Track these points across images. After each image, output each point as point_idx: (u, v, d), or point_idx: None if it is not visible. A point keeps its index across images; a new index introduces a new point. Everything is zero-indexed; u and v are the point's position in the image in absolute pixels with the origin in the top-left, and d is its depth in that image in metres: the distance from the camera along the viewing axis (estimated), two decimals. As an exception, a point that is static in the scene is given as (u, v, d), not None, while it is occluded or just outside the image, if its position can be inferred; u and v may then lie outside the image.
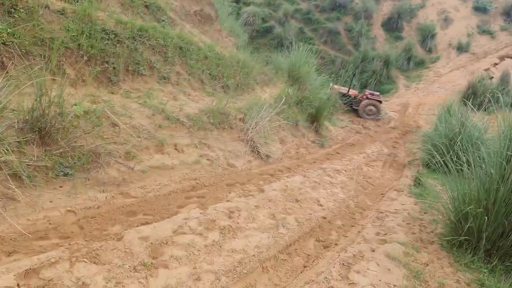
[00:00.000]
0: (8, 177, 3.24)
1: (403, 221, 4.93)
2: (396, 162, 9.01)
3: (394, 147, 10.65)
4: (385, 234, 4.47)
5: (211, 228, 3.82)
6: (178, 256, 3.19)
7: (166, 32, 7.01)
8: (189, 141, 5.47)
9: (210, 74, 7.66)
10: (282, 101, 7.99)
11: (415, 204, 5.62)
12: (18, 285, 2.39)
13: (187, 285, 2.89)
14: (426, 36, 23.65)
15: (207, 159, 5.48)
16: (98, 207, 3.71)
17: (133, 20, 6.48)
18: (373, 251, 3.93)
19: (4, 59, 4.15)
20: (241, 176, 5.68)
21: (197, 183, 4.95)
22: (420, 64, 22.61)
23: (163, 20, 7.89)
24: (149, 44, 6.42)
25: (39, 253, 2.79)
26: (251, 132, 6.71)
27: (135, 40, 6.14)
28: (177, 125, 5.50)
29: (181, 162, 5.04)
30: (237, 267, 3.28)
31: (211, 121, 6.11)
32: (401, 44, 23.47)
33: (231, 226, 3.95)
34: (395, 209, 5.39)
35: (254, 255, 3.52)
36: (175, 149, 5.17)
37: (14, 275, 2.44)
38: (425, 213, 5.25)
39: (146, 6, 7.68)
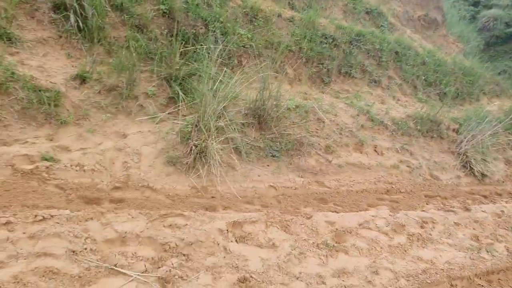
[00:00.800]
0: (232, 150, 4.04)
1: None
2: None
3: None
4: None
5: (398, 231, 3.69)
6: (359, 247, 3.25)
7: (383, 37, 7.03)
8: (390, 144, 5.36)
9: (425, 80, 7.21)
10: (513, 115, 6.73)
11: None
12: (227, 230, 3.00)
13: (364, 275, 2.93)
14: None
15: (407, 166, 5.23)
16: (295, 189, 4.14)
17: (352, 26, 6.79)
18: None
19: (242, 58, 5.14)
20: (445, 190, 5.15)
21: (392, 187, 4.81)
22: None
23: (382, 26, 7.92)
24: (365, 48, 6.59)
25: (244, 212, 3.38)
26: (465, 145, 5.96)
27: (351, 44, 6.43)
28: (380, 127, 5.47)
29: (378, 164, 5.00)
30: (420, 274, 3.07)
31: (418, 127, 5.77)
32: None
33: (421, 235, 3.71)
34: None
35: (442, 269, 3.21)
36: (375, 150, 5.17)
37: (225, 223, 3.06)
38: None
39: (367, 12, 7.89)
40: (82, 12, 4.13)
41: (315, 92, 5.69)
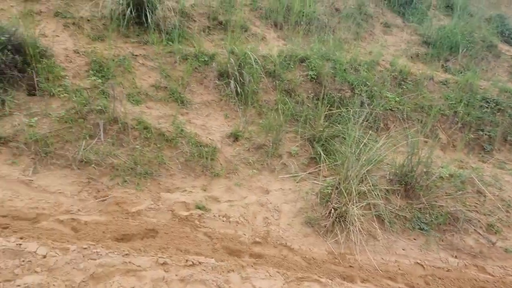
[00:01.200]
0: (374, 217, 3.79)
1: None
2: None
3: None
4: None
5: None
6: None
7: None
8: None
9: None
10: None
11: None
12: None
13: None
14: None
15: None
16: (447, 270, 3.59)
17: (521, 88, 5.97)
18: None
19: (388, 122, 4.97)
20: None
21: None
22: None
23: None
24: (538, 113, 5.67)
25: (386, 289, 3.05)
26: None
27: (520, 109, 5.62)
28: None
29: None
30: None
31: None
32: None
33: None
34: None
35: None
36: (556, 236, 4.18)
37: (364, 298, 2.81)
38: None
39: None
40: (241, 79, 4.67)
41: (473, 161, 5.05)
